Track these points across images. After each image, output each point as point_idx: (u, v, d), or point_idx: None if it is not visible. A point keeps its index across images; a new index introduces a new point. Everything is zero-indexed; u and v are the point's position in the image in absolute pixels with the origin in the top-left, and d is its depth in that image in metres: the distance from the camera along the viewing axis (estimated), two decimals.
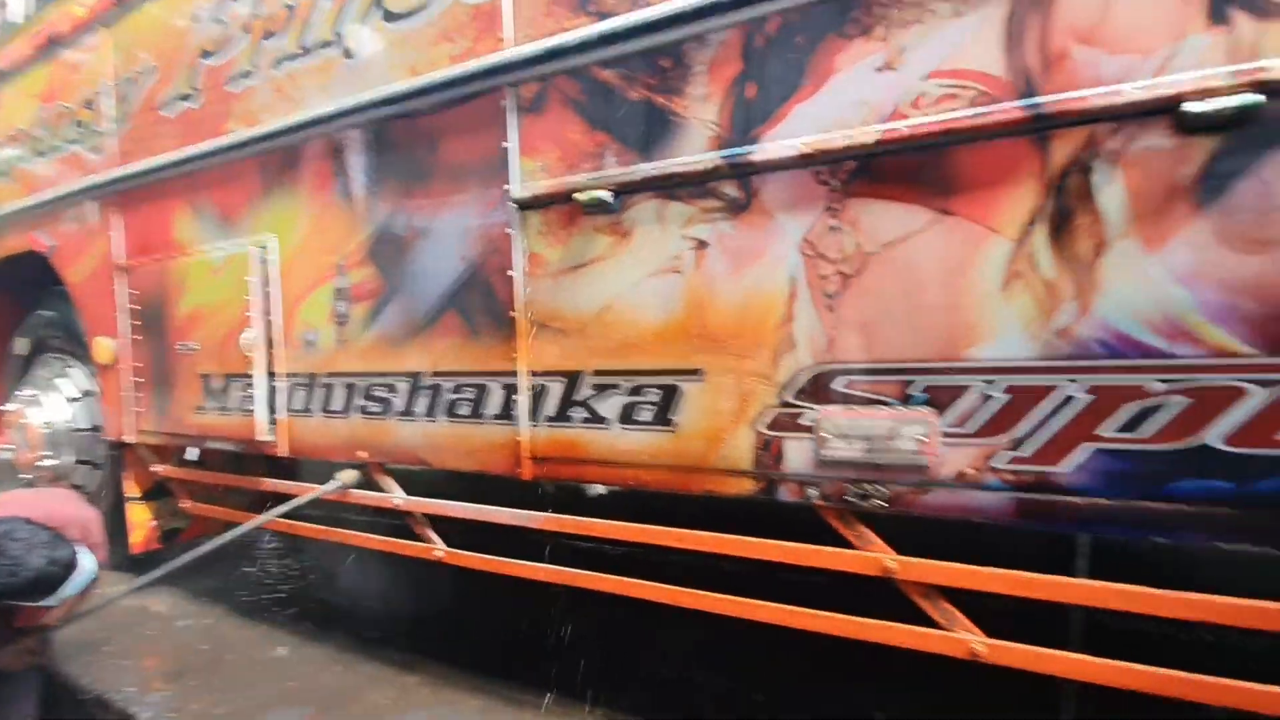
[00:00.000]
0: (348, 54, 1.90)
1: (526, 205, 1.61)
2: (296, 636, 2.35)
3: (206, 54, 2.22)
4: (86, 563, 1.73)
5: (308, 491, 2.10)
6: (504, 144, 1.62)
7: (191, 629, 2.46)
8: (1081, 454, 1.10)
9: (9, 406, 3.13)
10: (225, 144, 2.17)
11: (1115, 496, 1.08)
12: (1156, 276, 1.03)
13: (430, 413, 1.80)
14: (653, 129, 1.44)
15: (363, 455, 1.96)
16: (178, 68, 2.32)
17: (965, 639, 1.23)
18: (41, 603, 1.64)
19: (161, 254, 2.41)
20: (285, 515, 2.10)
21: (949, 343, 1.19)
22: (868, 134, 1.21)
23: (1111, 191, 1.05)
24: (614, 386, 1.53)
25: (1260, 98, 0.94)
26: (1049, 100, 1.08)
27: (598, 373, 1.55)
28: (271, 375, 2.12)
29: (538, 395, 1.63)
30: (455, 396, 1.76)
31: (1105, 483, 1.08)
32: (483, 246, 1.68)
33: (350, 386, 1.96)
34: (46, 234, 2.86)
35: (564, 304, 1.58)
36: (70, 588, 1.69)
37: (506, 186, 1.62)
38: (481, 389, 1.71)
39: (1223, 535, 1.02)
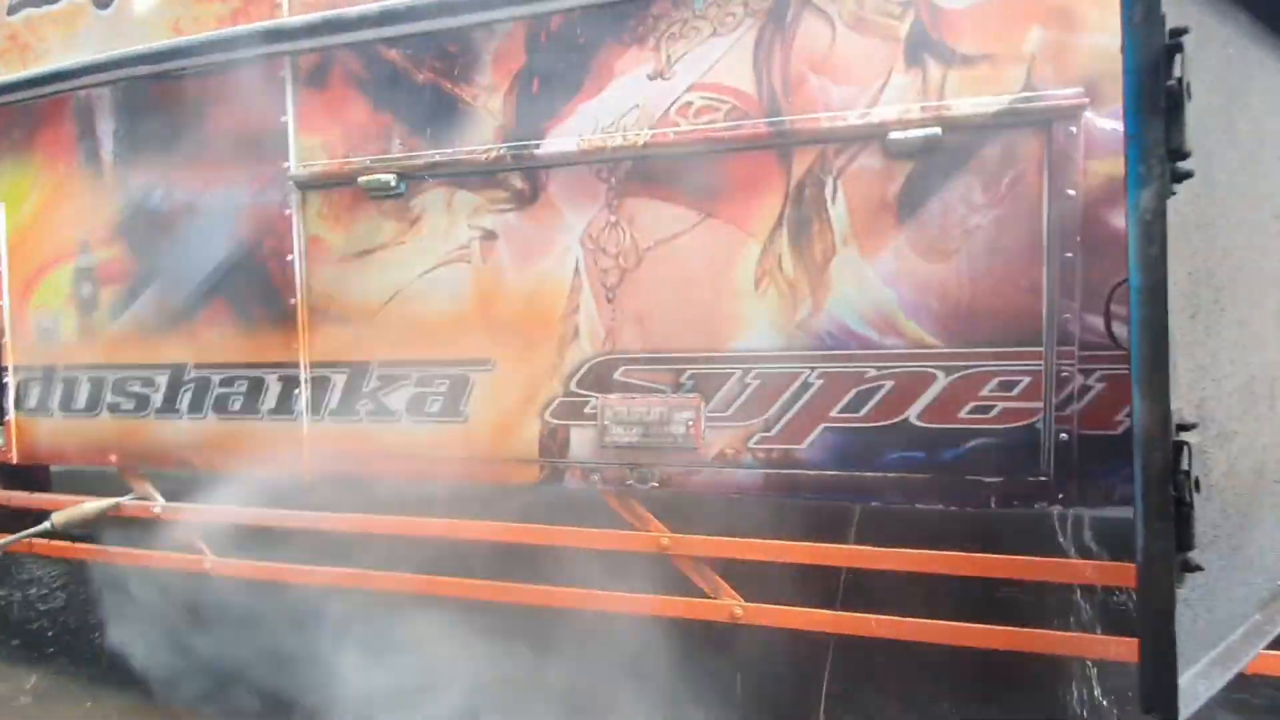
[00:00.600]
0: (100, 4, 1.67)
1: (306, 185, 1.51)
2: None
3: None
4: None
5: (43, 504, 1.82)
6: (282, 118, 1.51)
7: None
8: (816, 432, 1.25)
9: None
10: None
11: (842, 469, 1.24)
12: (870, 279, 1.20)
13: (196, 408, 1.64)
14: (439, 115, 1.42)
15: (113, 459, 1.73)
16: None
17: (728, 604, 1.35)
18: None
19: None
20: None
21: (713, 334, 1.30)
22: (640, 136, 1.28)
23: (837, 204, 1.21)
24: (403, 377, 1.48)
25: (939, 130, 1.13)
26: (789, 119, 1.21)
27: (385, 364, 1.50)
28: None
29: (320, 388, 1.54)
30: (226, 390, 1.61)
31: (834, 457, 1.24)
32: (257, 227, 1.55)
33: (98, 381, 1.72)
34: None
35: (349, 291, 1.51)
36: None
37: (285, 164, 1.52)
38: (257, 382, 1.58)
39: (919, 498, 1.21)
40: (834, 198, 1.21)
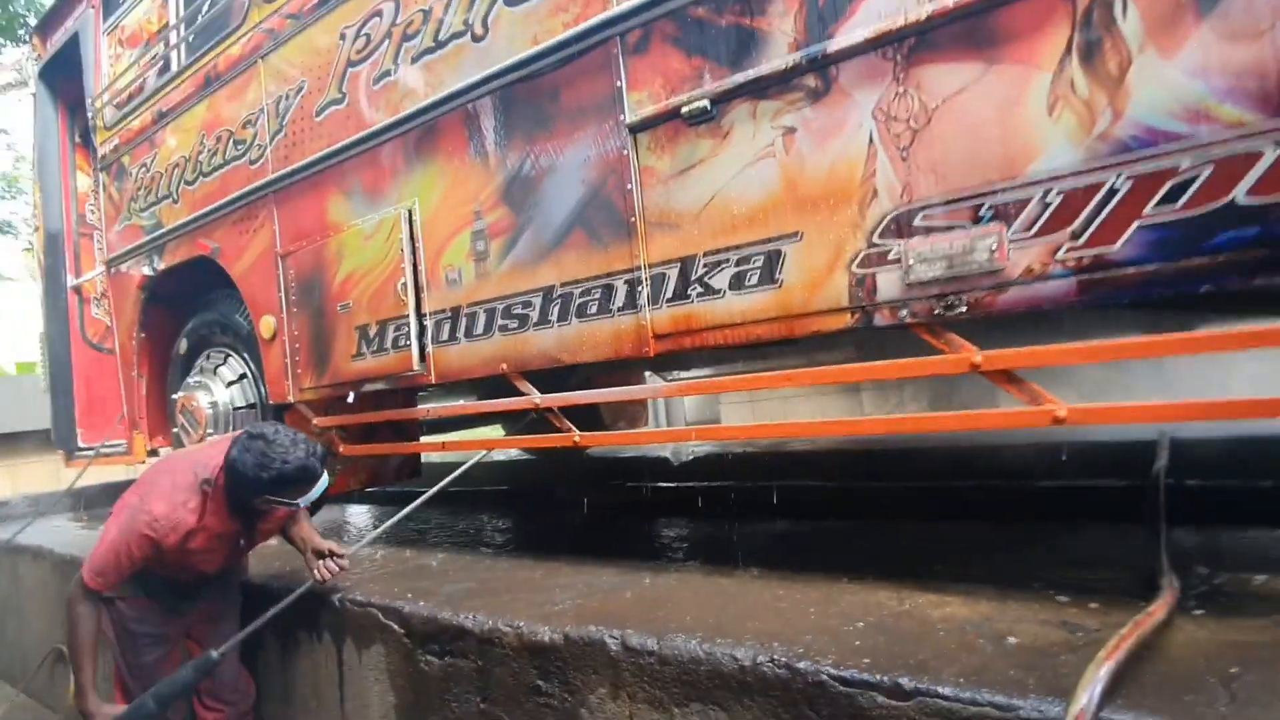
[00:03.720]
0: (475, 38, 2.33)
1: (637, 128, 1.96)
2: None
3: (353, 63, 2.71)
4: (325, 475, 2.12)
5: (454, 411, 2.48)
6: (617, 84, 1.99)
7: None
8: (1131, 231, 1.34)
9: (177, 395, 3.64)
10: (371, 132, 2.63)
11: (1164, 260, 1.32)
12: (1173, 76, 1.29)
13: (563, 318, 2.15)
14: (741, 46, 1.78)
15: (504, 368, 2.31)
16: (327, 80, 2.81)
17: (1049, 409, 1.46)
18: (293, 501, 2.01)
19: (317, 235, 2.87)
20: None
21: (1009, 166, 1.46)
22: (922, 10, 1.52)
23: (1129, 18, 1.32)
24: (724, 261, 1.84)
25: None
26: None
27: (708, 253, 1.86)
28: (420, 315, 2.51)
29: (657, 283, 1.95)
30: (584, 299, 2.10)
31: (1153, 251, 1.32)
32: (602, 170, 2.04)
33: (491, 311, 2.32)
34: (211, 239, 3.39)
35: (675, 203, 1.91)
36: (315, 493, 2.06)
37: (621, 117, 1.99)
38: (608, 288, 2.05)
39: (1254, 275, 1.24)
40: (1124, 13, 1.33)
